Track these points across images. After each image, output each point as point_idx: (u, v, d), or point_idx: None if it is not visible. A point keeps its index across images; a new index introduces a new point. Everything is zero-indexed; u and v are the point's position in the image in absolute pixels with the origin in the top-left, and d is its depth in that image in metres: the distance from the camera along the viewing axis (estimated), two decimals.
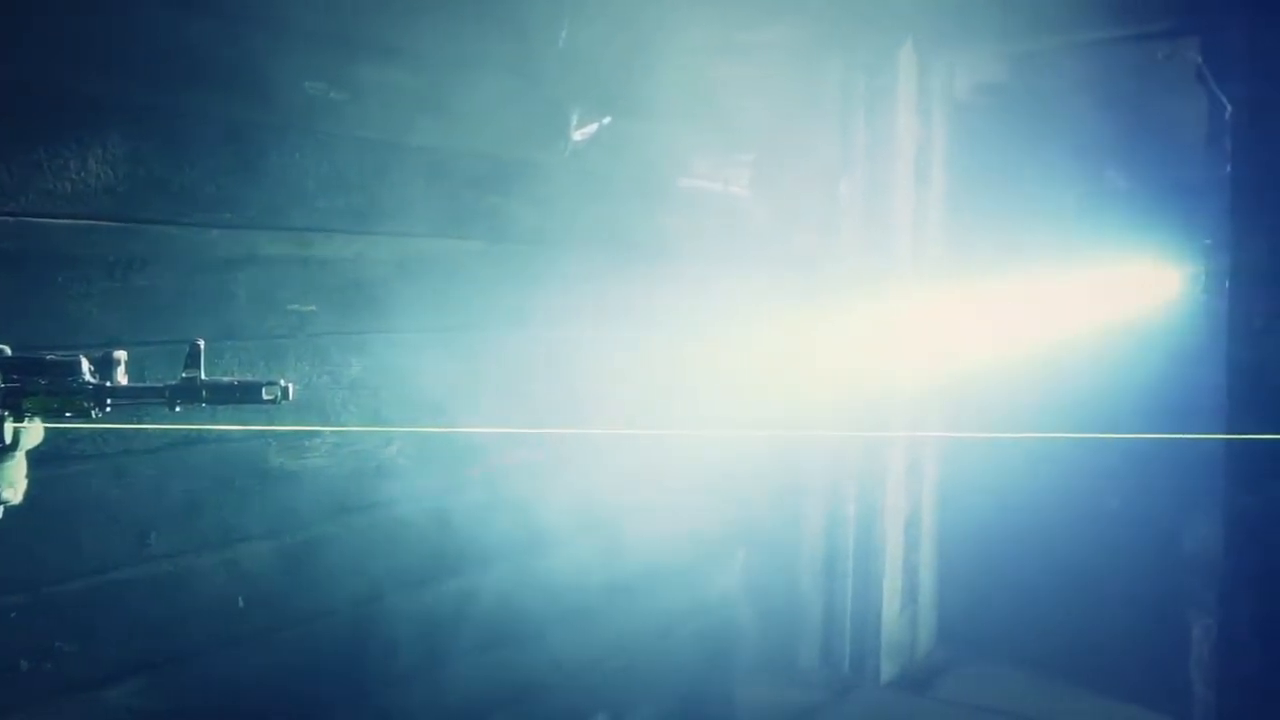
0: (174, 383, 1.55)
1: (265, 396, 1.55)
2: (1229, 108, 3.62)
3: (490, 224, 2.97)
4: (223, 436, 2.35)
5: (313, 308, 2.53)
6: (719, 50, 3.80)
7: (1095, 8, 3.83)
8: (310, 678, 2.57)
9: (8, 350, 1.39)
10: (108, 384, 1.49)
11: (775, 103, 4.15)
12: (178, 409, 1.57)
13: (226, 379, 1.57)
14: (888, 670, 4.35)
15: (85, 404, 1.45)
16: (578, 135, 3.15)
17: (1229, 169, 3.62)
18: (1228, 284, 3.62)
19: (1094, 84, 4.65)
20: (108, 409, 1.51)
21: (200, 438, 2.32)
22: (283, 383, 1.55)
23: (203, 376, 1.57)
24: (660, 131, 3.53)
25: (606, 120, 3.22)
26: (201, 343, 1.57)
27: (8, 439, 1.35)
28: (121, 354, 1.56)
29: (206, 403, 1.57)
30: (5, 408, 1.36)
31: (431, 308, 2.78)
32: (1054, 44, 4.25)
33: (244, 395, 1.56)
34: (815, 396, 3.66)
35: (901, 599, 4.44)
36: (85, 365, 1.46)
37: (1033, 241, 4.51)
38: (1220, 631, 3.72)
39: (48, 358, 1.41)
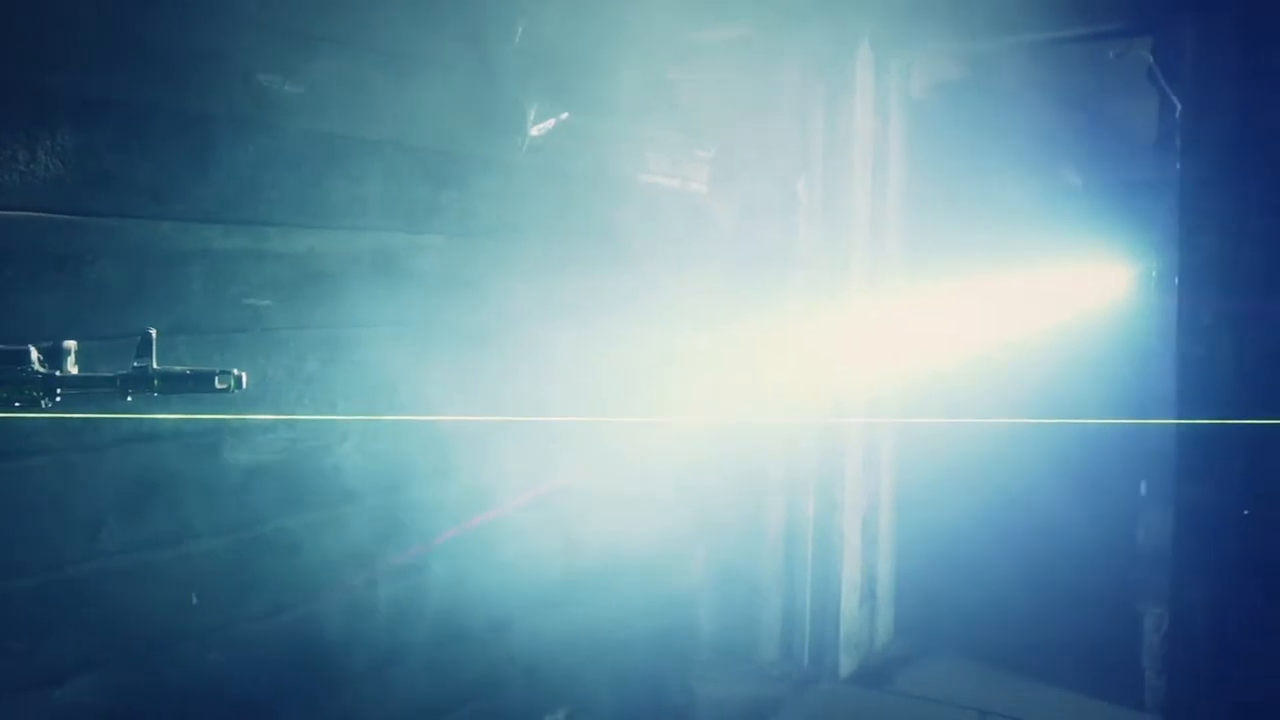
0: (125, 372, 1.54)
1: (218, 386, 1.54)
2: (1179, 107, 3.68)
3: (447, 218, 2.96)
4: (176, 431, 2.32)
5: (268, 302, 2.51)
6: (678, 48, 3.82)
7: (1048, 8, 3.88)
8: (265, 674, 2.55)
9: None
10: (57, 373, 1.47)
11: (734, 101, 4.17)
12: (129, 398, 1.56)
13: (179, 368, 1.56)
14: (846, 664, 4.38)
15: (34, 394, 1.43)
16: (535, 130, 3.14)
17: (1178, 167, 3.68)
18: (1177, 281, 3.68)
19: (1049, 83, 4.72)
20: (58, 399, 1.49)
21: (153, 433, 2.29)
22: (236, 372, 1.54)
23: (155, 366, 1.56)
24: (619, 128, 3.54)
25: (564, 116, 3.22)
26: (154, 332, 1.55)
27: None
28: (71, 344, 1.54)
29: (159, 392, 1.56)
30: None
31: (388, 302, 2.77)
32: (1009, 43, 4.30)
33: (197, 385, 1.55)
34: (774, 390, 3.68)
35: (860, 593, 4.47)
36: (34, 355, 1.44)
37: (988, 239, 4.56)
38: (1171, 620, 3.79)
39: None
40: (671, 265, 3.68)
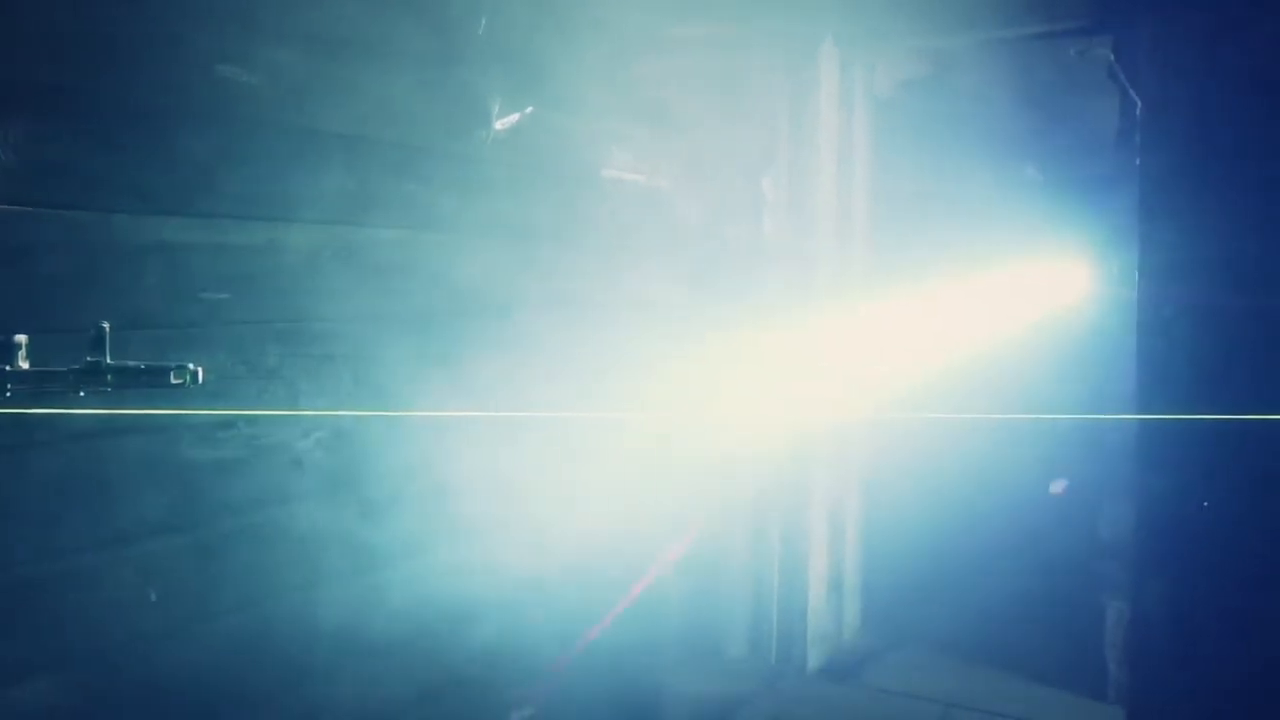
0: (78, 367, 1.52)
1: (174, 380, 1.52)
2: (1138, 104, 3.71)
3: (409, 212, 2.93)
4: (133, 427, 2.29)
5: (226, 295, 2.48)
6: (645, 44, 3.81)
7: (1010, 5, 3.91)
8: (227, 673, 2.52)
9: None
10: (7, 368, 1.45)
11: (701, 97, 4.17)
12: (82, 394, 1.53)
13: (133, 363, 1.53)
14: (814, 659, 4.39)
15: None
16: (499, 124, 3.13)
17: (1138, 163, 3.72)
18: (1137, 275, 3.71)
19: (1012, 81, 4.75)
20: (8, 394, 1.47)
21: (109, 429, 2.26)
22: (191, 366, 1.52)
23: (108, 360, 1.53)
24: (585, 123, 3.53)
25: (529, 110, 3.20)
26: (106, 326, 1.53)
27: None
28: (22, 338, 1.52)
29: (112, 387, 1.54)
30: None
31: (349, 295, 2.74)
32: (971, 40, 4.33)
33: (151, 379, 1.53)
34: (740, 386, 3.68)
35: (828, 588, 4.48)
36: None
37: (953, 235, 4.59)
38: (1132, 613, 3.83)
39: None
40: (638, 261, 3.68)
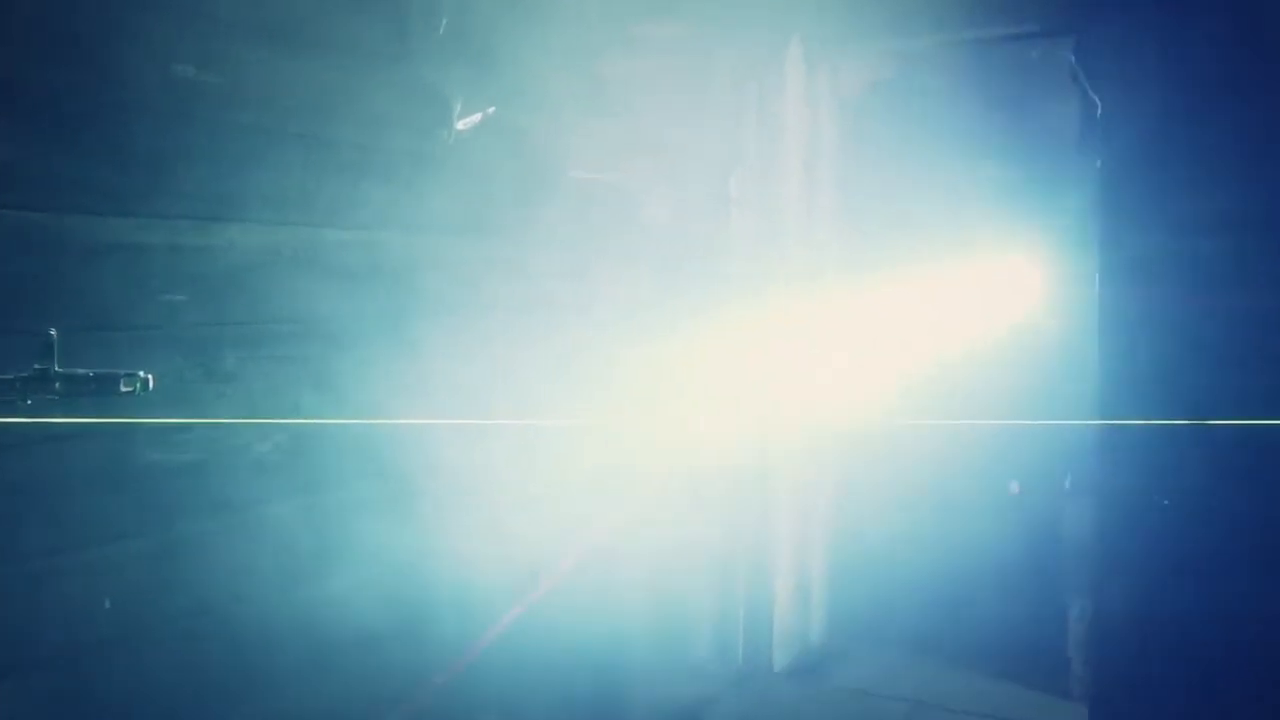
0: (26, 374, 1.49)
1: (124, 388, 1.50)
2: (1099, 106, 3.74)
3: (370, 212, 2.91)
4: (90, 431, 2.25)
5: (184, 297, 2.44)
6: (610, 43, 3.79)
7: (974, 7, 3.93)
8: (184, 679, 2.49)
9: None
10: None
11: (667, 98, 4.16)
12: (29, 402, 1.51)
13: (82, 371, 1.51)
14: (781, 660, 4.40)
15: None
16: (461, 124, 3.11)
17: (1099, 164, 3.74)
18: (1098, 276, 3.74)
19: (977, 83, 4.77)
20: None
21: (65, 432, 2.22)
22: (142, 374, 1.50)
23: (56, 368, 1.51)
24: (549, 123, 3.51)
25: (491, 110, 3.18)
26: (54, 332, 1.50)
27: None
28: None
29: (61, 395, 1.51)
30: None
31: (309, 297, 2.71)
32: (936, 42, 4.35)
33: (101, 387, 1.51)
34: (707, 387, 3.68)
35: (795, 589, 4.49)
36: None
37: (918, 236, 4.61)
38: (1094, 611, 3.86)
39: None
40: (602, 261, 3.67)
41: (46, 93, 2.19)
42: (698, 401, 3.87)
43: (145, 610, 2.43)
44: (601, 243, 3.74)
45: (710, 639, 4.45)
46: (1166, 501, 3.63)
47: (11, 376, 1.44)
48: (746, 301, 4.21)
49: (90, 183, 2.26)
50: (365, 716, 2.95)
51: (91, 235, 2.27)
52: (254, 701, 2.66)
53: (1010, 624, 4.43)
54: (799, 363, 4.23)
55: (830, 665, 4.44)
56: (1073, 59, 3.87)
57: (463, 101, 3.10)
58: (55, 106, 2.21)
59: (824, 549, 4.69)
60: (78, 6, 2.22)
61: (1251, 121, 3.47)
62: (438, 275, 3.07)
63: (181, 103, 2.42)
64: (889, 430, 4.59)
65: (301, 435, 2.71)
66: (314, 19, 2.68)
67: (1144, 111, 3.65)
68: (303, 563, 2.74)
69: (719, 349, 3.90)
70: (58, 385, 1.45)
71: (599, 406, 3.48)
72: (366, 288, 2.91)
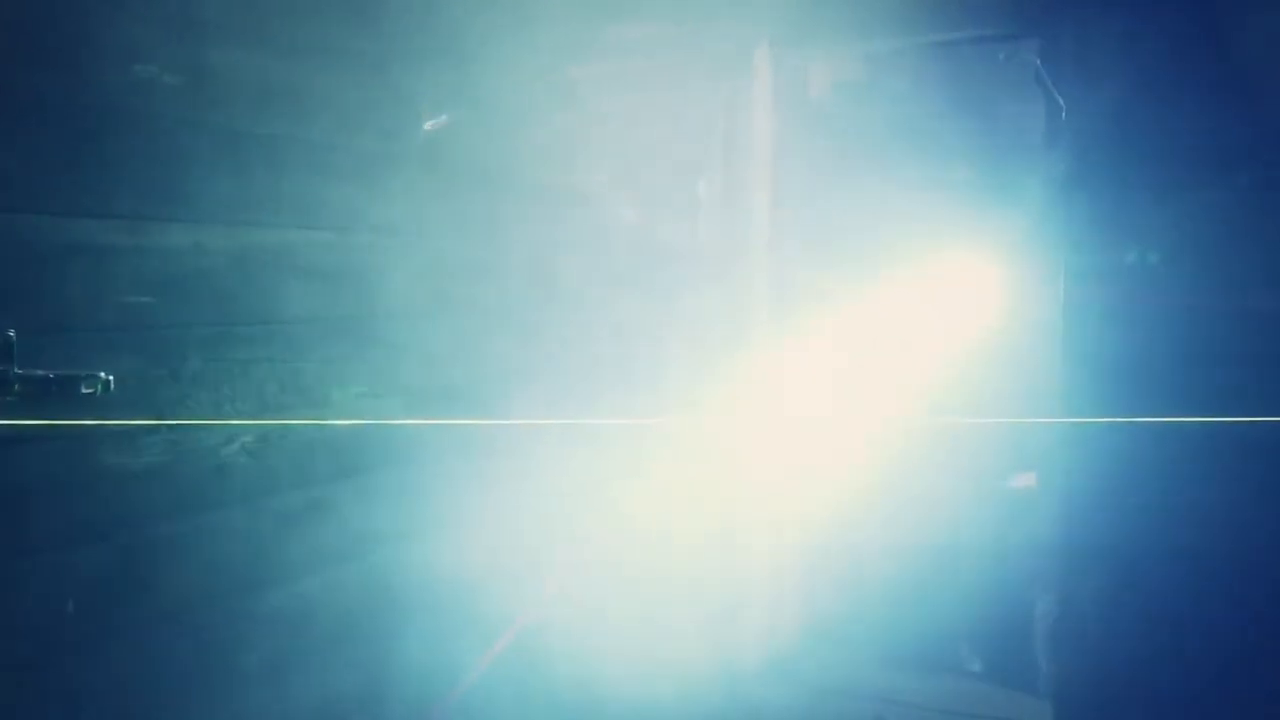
0: None
1: (84, 390, 1.49)
2: (1064, 109, 3.78)
3: (337, 214, 2.90)
4: (49, 434, 2.23)
5: (148, 299, 2.42)
6: (579, 45, 3.80)
7: (940, 10, 3.97)
8: (148, 684, 2.47)
9: None
10: None
11: (635, 99, 4.17)
12: None
13: (41, 372, 1.50)
14: (750, 658, 4.41)
15: None
16: (428, 125, 3.10)
17: (1064, 167, 3.78)
18: (1063, 277, 3.78)
19: (944, 85, 4.81)
20: None
21: (23, 435, 2.20)
22: (103, 375, 1.49)
23: (16, 369, 1.50)
24: (517, 125, 3.51)
25: (460, 112, 3.18)
26: (12, 334, 1.49)
27: None
28: None
29: (19, 397, 1.50)
30: None
31: (275, 300, 2.70)
32: (903, 44, 4.39)
33: (62, 389, 1.50)
34: (670, 388, 3.69)
35: (764, 586, 4.51)
36: None
37: (884, 237, 4.64)
38: (1061, 608, 3.90)
39: None
40: (571, 263, 3.67)
41: (5, 92, 2.17)
42: (668, 400, 3.88)
43: (109, 614, 2.41)
44: (570, 246, 3.74)
45: (677, 637, 4.45)
46: (1133, 500, 3.68)
47: None
48: (714, 303, 4.22)
49: (51, 183, 2.24)
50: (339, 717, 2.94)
51: (52, 236, 2.25)
52: (221, 705, 2.64)
53: (982, 622, 4.47)
54: (765, 363, 4.25)
55: (799, 664, 4.46)
56: (1037, 61, 3.91)
57: (431, 102, 3.10)
58: (15, 106, 2.19)
59: (795, 545, 4.70)
60: (37, 5, 2.20)
61: (1211, 120, 3.53)
62: (406, 277, 3.06)
63: (146, 103, 2.41)
64: (863, 425, 4.62)
65: (268, 437, 2.70)
66: (279, 20, 2.67)
67: (1104, 113, 3.69)
68: (270, 565, 2.73)
69: (685, 347, 3.91)
70: (16, 387, 1.44)
71: (563, 410, 3.48)
72: (333, 289, 2.90)
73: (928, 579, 4.63)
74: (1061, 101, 3.81)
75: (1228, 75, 3.50)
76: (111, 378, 1.42)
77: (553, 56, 3.51)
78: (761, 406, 4.41)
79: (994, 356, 4.48)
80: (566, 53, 3.64)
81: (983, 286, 4.47)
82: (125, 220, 2.40)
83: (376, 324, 3.01)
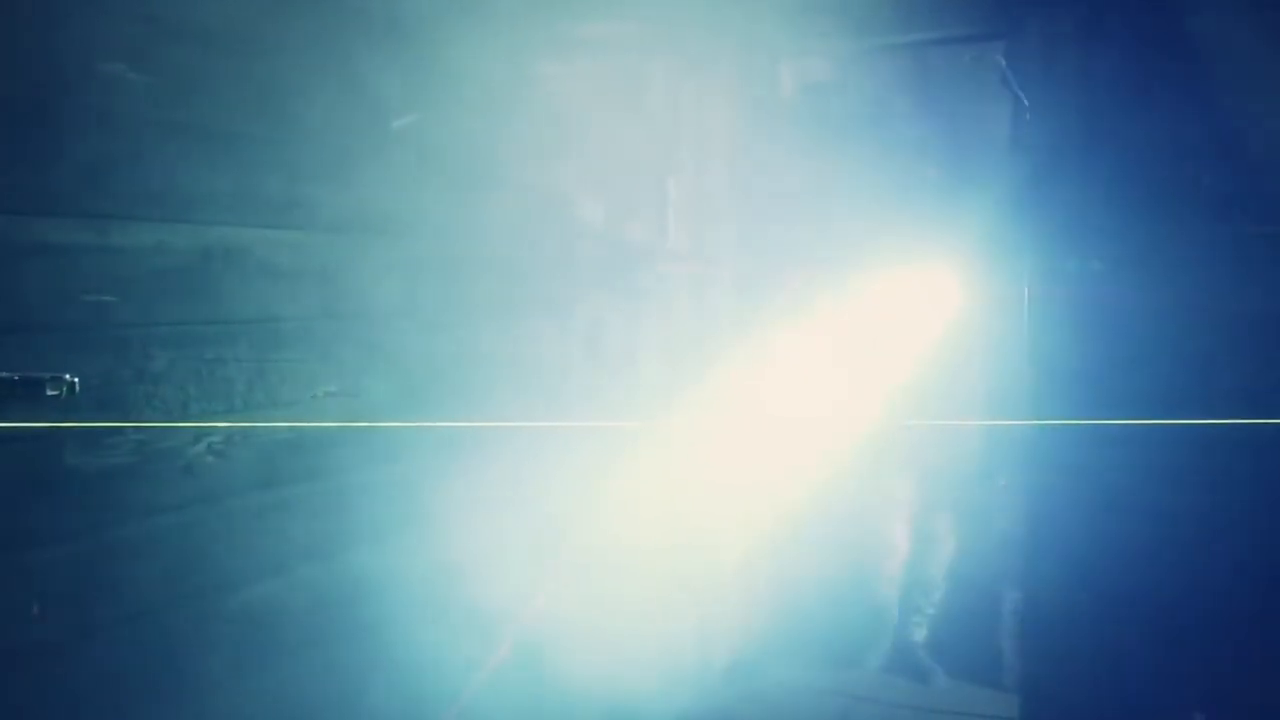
0: None
1: (49, 391, 1.48)
2: (1028, 110, 3.82)
3: (303, 212, 2.88)
4: (10, 435, 2.20)
5: (112, 298, 2.40)
6: (548, 43, 3.79)
7: (907, 11, 4.00)
8: (114, 686, 2.45)
9: None
10: None
11: (606, 99, 4.16)
12: None
13: (5, 374, 1.48)
14: (719, 655, 4.42)
15: None
16: (395, 123, 3.09)
17: (1029, 168, 3.82)
18: (1027, 277, 3.82)
19: (913, 86, 4.84)
20: None
21: None
22: (68, 377, 1.47)
23: None
24: (484, 123, 3.49)
25: (427, 110, 3.17)
26: None
27: None
28: None
29: None
30: None
31: (241, 299, 2.68)
32: (871, 45, 4.41)
33: (26, 391, 1.48)
34: (637, 389, 3.69)
35: (735, 584, 4.51)
36: None
37: (850, 237, 4.66)
38: (1026, 603, 3.95)
39: None
40: (539, 263, 3.66)
41: None
42: (638, 401, 3.88)
43: (76, 615, 2.39)
44: (537, 245, 3.73)
45: (646, 638, 4.45)
46: (1096, 497, 3.72)
47: None
48: (683, 303, 4.23)
49: (15, 183, 2.22)
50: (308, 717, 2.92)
51: (15, 235, 2.23)
52: (189, 705, 2.62)
53: (945, 617, 4.50)
54: (734, 359, 4.26)
55: (768, 661, 4.47)
56: (1003, 61, 3.95)
57: (397, 100, 3.08)
58: None
59: (767, 542, 4.71)
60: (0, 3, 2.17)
61: (1170, 120, 3.57)
62: (371, 276, 3.05)
63: (110, 101, 2.38)
64: (831, 427, 4.64)
65: (234, 437, 2.68)
66: (246, 17, 2.65)
67: (1067, 112, 3.73)
68: (237, 565, 2.71)
69: (655, 350, 3.91)
70: None
71: (532, 411, 3.48)
72: (299, 288, 2.88)
73: (892, 578, 4.67)
74: (1027, 102, 3.85)
75: (1192, 76, 3.55)
76: (77, 380, 1.41)
77: (522, 55, 3.50)
78: (728, 408, 4.42)
79: (957, 358, 4.52)
80: (536, 51, 3.62)
81: (948, 286, 4.50)
82: (89, 220, 2.37)
83: (344, 324, 2.99)
